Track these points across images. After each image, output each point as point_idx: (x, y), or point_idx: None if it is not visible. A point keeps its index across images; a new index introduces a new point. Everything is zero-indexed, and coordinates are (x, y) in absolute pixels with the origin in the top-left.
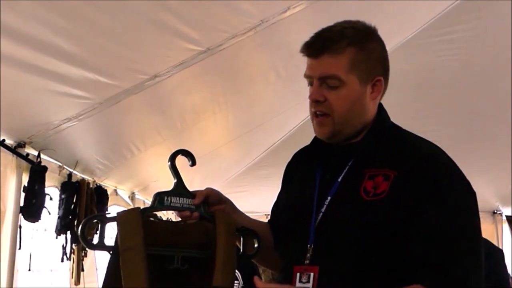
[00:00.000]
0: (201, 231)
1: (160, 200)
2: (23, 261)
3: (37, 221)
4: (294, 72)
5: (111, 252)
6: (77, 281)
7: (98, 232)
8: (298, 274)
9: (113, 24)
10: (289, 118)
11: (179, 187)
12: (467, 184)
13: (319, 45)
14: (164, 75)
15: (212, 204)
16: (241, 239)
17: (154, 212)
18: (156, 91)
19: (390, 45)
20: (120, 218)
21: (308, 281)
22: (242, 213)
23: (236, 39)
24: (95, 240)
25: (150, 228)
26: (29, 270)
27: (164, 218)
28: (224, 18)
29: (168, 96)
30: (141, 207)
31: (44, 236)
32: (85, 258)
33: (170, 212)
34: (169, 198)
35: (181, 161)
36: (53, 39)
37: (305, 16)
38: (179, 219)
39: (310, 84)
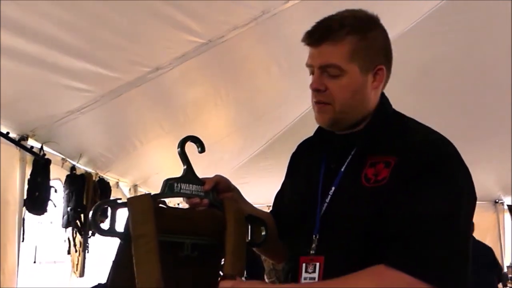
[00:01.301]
0: (211, 218)
1: (170, 186)
2: (28, 254)
3: (42, 213)
4: (295, 63)
5: (121, 238)
6: (82, 273)
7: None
8: (304, 264)
9: (114, 16)
10: (291, 110)
11: (189, 174)
12: (466, 174)
13: (319, 34)
14: (166, 67)
15: (221, 191)
16: (249, 227)
17: (163, 199)
18: (158, 84)
19: (391, 35)
20: (132, 204)
21: (314, 271)
22: (247, 202)
23: (237, 31)
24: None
25: (160, 215)
26: (34, 262)
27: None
28: (225, 9)
29: (170, 88)
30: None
31: (48, 229)
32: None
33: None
34: (178, 185)
35: (187, 150)
36: (54, 32)
37: (306, 6)
38: (187, 205)
39: (312, 73)
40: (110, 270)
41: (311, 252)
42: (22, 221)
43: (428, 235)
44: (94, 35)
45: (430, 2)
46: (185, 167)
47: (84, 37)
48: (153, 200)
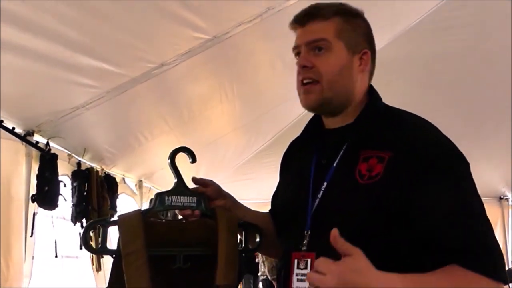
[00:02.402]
0: (203, 228)
1: (161, 200)
2: (47, 249)
3: (54, 208)
4: None
5: (113, 256)
6: (99, 268)
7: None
8: (296, 260)
9: (119, 13)
10: (295, 106)
11: (180, 186)
12: (465, 161)
13: (307, 14)
14: (171, 63)
15: (212, 198)
16: (243, 233)
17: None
18: (163, 80)
19: (397, 30)
20: (121, 222)
21: (306, 267)
22: (243, 206)
23: (242, 27)
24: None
25: (152, 229)
26: (56, 256)
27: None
28: (230, 6)
29: (175, 85)
30: (142, 209)
31: (66, 224)
32: None
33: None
34: (169, 198)
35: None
36: (60, 28)
37: (311, 3)
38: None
39: (298, 54)
40: (108, 285)
41: (302, 248)
42: (27, 216)
43: (479, 230)
44: (100, 31)
45: None
46: (176, 180)
47: (89, 34)
48: (143, 215)
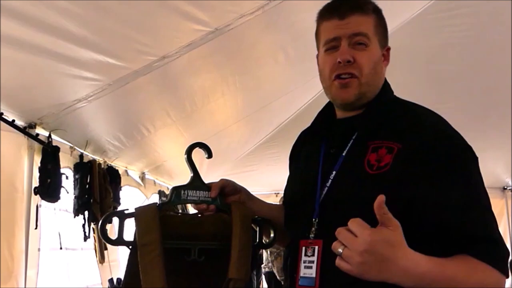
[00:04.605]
0: (218, 223)
1: (177, 194)
2: (50, 240)
3: (56, 201)
4: (302, 51)
5: (130, 247)
6: (102, 259)
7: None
8: (303, 248)
9: (121, 6)
10: (297, 97)
11: (196, 181)
12: (474, 155)
13: (349, 6)
14: (173, 56)
15: (228, 194)
16: (257, 228)
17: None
18: (165, 73)
19: (398, 22)
20: (138, 215)
21: (313, 255)
22: (257, 199)
23: (244, 19)
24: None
25: (167, 222)
26: (60, 248)
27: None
28: None
29: (177, 77)
30: (158, 202)
31: (69, 216)
32: None
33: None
34: (185, 192)
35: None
36: (61, 22)
37: None
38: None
39: (332, 47)
40: (124, 275)
41: (310, 235)
42: (29, 209)
43: (487, 222)
44: (101, 24)
45: None
46: (192, 174)
47: (91, 27)
48: (159, 208)
